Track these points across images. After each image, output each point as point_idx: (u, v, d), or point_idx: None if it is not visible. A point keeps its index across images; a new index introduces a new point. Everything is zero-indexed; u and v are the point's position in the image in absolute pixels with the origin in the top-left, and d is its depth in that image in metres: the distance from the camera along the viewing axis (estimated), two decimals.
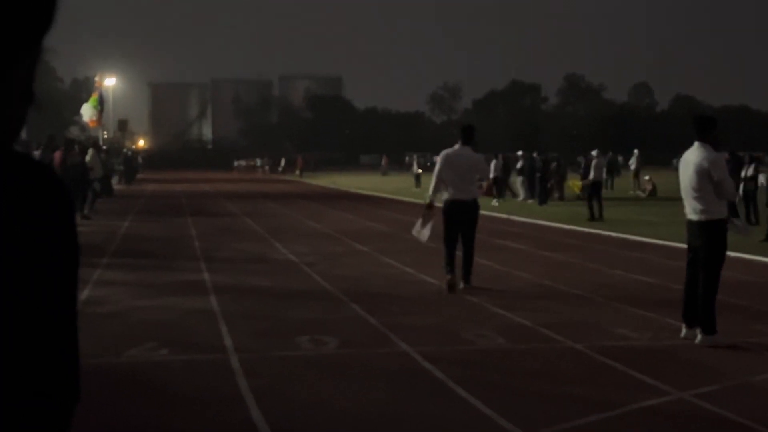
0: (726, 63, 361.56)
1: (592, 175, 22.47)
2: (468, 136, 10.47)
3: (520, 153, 32.80)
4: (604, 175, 37.31)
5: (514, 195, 30.48)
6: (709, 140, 7.48)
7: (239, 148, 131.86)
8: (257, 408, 5.36)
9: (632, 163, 36.49)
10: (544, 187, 28.17)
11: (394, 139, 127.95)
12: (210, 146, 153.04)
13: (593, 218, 21.01)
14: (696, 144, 7.49)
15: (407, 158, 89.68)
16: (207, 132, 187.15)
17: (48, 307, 1.17)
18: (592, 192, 22.04)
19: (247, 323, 8.13)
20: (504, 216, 22.49)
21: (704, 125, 7.48)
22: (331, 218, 22.74)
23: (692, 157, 7.46)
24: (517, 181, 30.11)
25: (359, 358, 6.81)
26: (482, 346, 7.29)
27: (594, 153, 23.63)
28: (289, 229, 19.33)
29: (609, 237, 17.16)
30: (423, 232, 10.91)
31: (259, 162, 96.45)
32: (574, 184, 32.20)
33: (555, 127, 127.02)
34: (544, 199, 27.71)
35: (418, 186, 42.59)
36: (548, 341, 7.48)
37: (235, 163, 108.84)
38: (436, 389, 5.89)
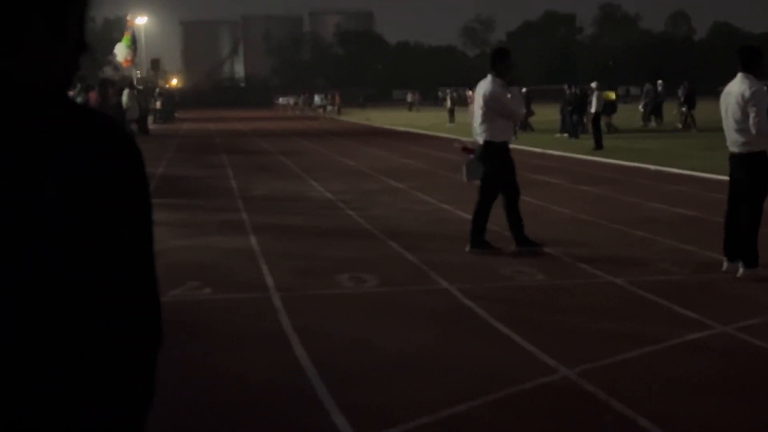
0: None
1: (594, 108, 23.50)
2: (492, 61, 8.75)
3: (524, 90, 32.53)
4: (640, 108, 36.85)
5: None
6: (753, 71, 7.31)
7: (272, 85, 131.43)
8: (301, 346, 5.43)
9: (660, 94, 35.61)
10: (579, 120, 27.89)
11: (427, 73, 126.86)
12: (243, 84, 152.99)
13: (599, 147, 22.07)
14: (739, 75, 7.33)
15: (440, 93, 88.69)
16: (239, 70, 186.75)
17: (132, 251, 1.22)
18: (594, 122, 23.39)
19: (287, 262, 8.20)
20: (539, 150, 22.31)
21: (748, 56, 7.30)
22: (365, 155, 22.72)
23: (734, 89, 7.32)
24: None
25: (400, 296, 6.86)
26: (522, 282, 7.30)
27: (593, 85, 24.35)
28: (325, 166, 19.35)
29: (647, 170, 16.97)
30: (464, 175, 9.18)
31: (318, 100, 76.89)
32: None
33: (590, 58, 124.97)
34: (575, 132, 27.46)
35: (452, 121, 42.34)
36: (588, 277, 7.47)
37: (284, 100, 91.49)
38: (477, 326, 5.92)
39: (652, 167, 17.24)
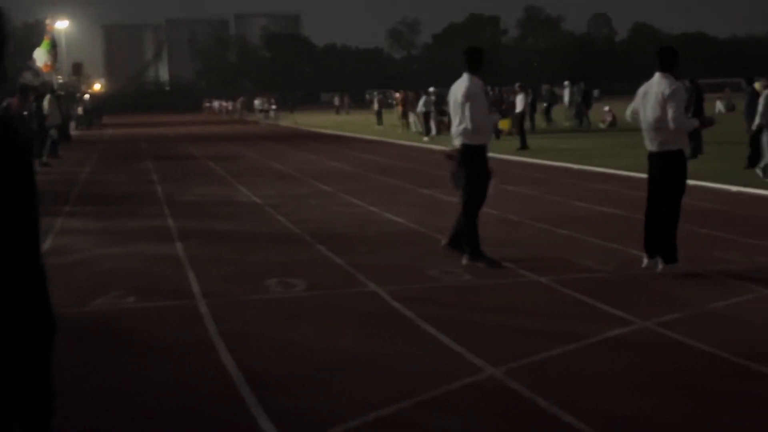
0: None
1: (519, 108, 24.16)
2: (468, 60, 8.08)
3: (431, 89, 33.22)
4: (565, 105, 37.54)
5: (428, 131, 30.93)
6: (672, 71, 7.52)
7: (199, 89, 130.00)
8: (228, 353, 5.38)
9: (566, 96, 36.20)
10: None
11: (355, 76, 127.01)
12: (167, 88, 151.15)
13: (524, 147, 22.47)
14: (657, 75, 7.52)
15: (368, 95, 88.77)
16: (164, 74, 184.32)
17: (15, 239, 1.23)
18: (519, 123, 24.34)
19: (214, 268, 8.11)
20: None
21: (667, 57, 7.50)
22: (294, 159, 22.63)
23: (653, 88, 7.50)
24: (420, 116, 31.12)
25: (328, 300, 6.84)
26: (449, 283, 7.36)
27: (516, 86, 25.04)
28: (253, 171, 19.22)
29: (571, 169, 17.27)
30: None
31: (259, 104, 63.05)
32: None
33: (516, 59, 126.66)
34: (497, 133, 27.94)
35: (380, 123, 42.49)
36: (514, 276, 7.57)
37: (217, 104, 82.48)
38: (405, 328, 5.94)
39: (576, 166, 17.55)
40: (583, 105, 33.14)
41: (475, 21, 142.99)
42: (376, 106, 45.85)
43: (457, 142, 8.05)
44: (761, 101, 15.22)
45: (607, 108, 33.99)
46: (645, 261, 7.62)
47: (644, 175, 7.90)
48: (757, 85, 17.94)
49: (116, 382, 4.96)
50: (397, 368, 5.05)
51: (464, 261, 8.02)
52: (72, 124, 39.84)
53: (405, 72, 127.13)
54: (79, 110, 47.70)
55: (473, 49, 8.20)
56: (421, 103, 32.01)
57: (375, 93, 59.55)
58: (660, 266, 7.43)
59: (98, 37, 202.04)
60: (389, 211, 11.71)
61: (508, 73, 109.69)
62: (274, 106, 59.31)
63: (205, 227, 10.86)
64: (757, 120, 15.00)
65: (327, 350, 5.45)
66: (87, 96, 54.75)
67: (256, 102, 65.79)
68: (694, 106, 18.06)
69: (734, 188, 13.18)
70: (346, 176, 17.32)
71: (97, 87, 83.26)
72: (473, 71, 8.01)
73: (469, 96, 7.85)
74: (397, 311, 6.40)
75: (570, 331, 5.73)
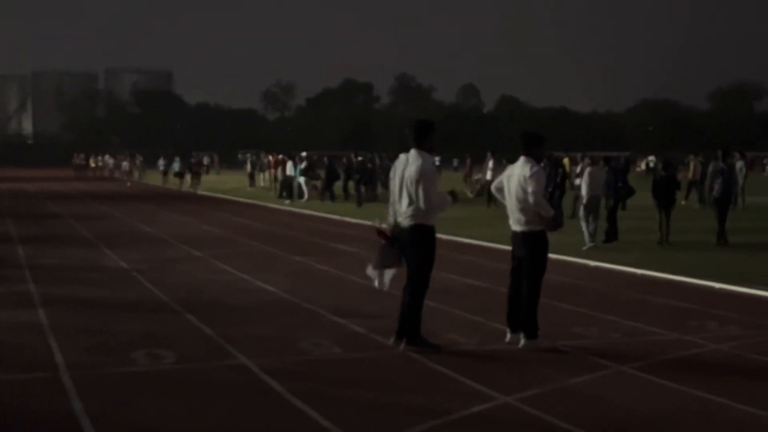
0: (546, 65, 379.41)
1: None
2: (417, 135, 7.56)
3: (304, 154, 33.99)
4: None
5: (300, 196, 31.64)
6: (534, 155, 7.95)
7: (64, 143, 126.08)
8: (93, 430, 5.27)
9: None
10: (358, 189, 29.10)
11: (227, 136, 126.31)
12: (30, 141, 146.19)
13: None
14: (522, 159, 7.93)
15: (240, 156, 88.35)
16: (28, 126, 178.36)
17: None
18: None
19: (79, 338, 7.92)
20: (337, 218, 22.72)
21: (530, 141, 7.94)
22: (164, 221, 22.30)
23: (517, 171, 7.90)
24: (301, 182, 31.83)
25: (197, 373, 6.80)
26: (319, 355, 7.43)
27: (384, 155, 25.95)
28: (120, 233, 18.83)
29: (440, 239, 17.62)
30: (374, 274, 7.93)
31: (162, 164, 49.22)
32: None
33: (387, 126, 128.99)
34: (360, 201, 28.55)
35: (252, 185, 42.41)
36: (383, 348, 7.70)
37: (95, 161, 69.08)
38: (274, 403, 5.97)
39: (446, 237, 17.95)
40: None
41: (349, 86, 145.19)
42: (248, 167, 45.75)
43: (406, 223, 7.56)
44: (584, 177, 16.26)
45: (476, 177, 35.06)
46: (508, 335, 7.92)
47: (509, 247, 8.24)
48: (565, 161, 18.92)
49: None
50: None
51: (401, 347, 7.57)
52: None
53: (278, 133, 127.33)
54: None
55: (422, 122, 7.67)
56: (288, 167, 32.38)
57: (248, 154, 59.36)
58: (522, 341, 7.74)
59: None
60: (261, 279, 11.71)
61: (381, 138, 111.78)
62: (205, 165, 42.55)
63: (70, 293, 10.57)
64: (583, 193, 15.97)
65: (193, 428, 5.42)
66: None
67: (161, 162, 50.08)
68: (554, 181, 18.92)
69: (592, 263, 13.83)
70: (217, 240, 17.20)
71: None
72: (421, 146, 7.53)
73: (423, 174, 7.36)
74: (267, 385, 6.42)
75: (433, 407, 5.89)
